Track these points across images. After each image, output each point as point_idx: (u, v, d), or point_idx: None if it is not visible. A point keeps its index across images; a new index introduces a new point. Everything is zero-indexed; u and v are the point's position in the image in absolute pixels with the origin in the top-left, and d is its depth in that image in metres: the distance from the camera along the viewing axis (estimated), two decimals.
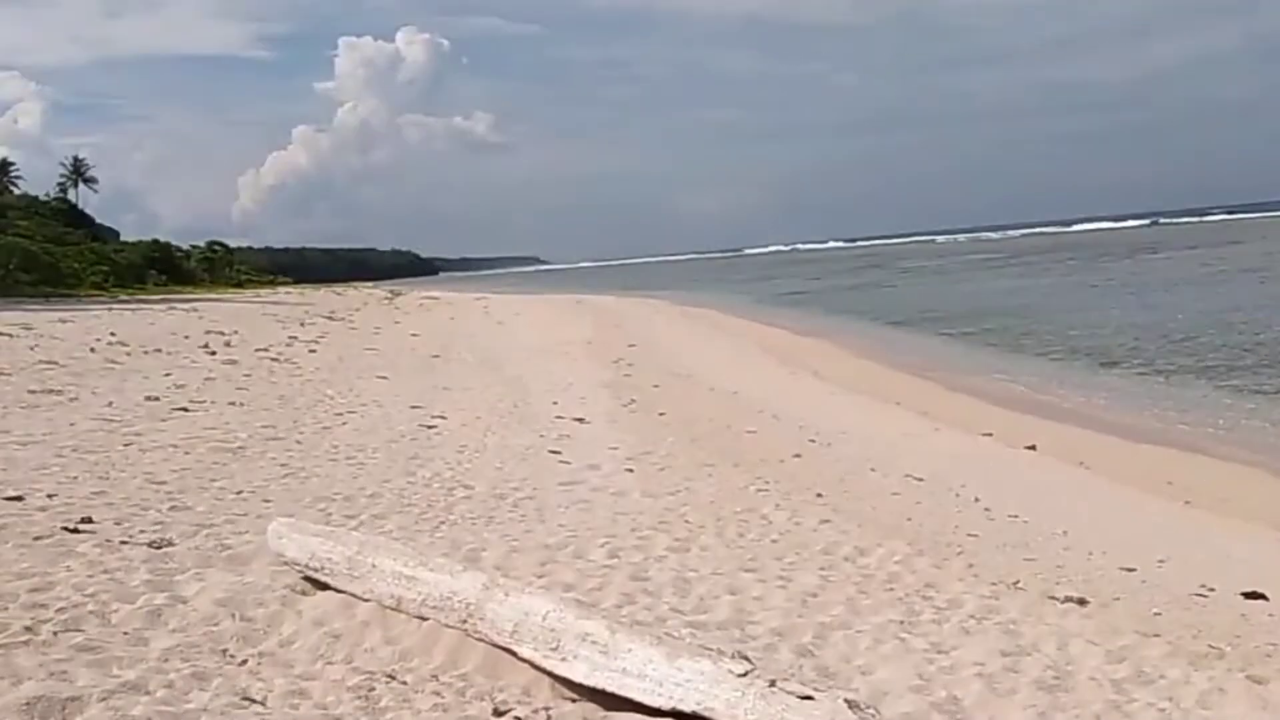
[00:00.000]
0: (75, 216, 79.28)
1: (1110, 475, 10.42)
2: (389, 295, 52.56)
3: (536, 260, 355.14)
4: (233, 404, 11.98)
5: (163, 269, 59.73)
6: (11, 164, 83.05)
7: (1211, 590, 6.37)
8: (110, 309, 31.69)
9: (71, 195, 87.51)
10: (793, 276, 71.99)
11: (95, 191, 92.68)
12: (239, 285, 66.38)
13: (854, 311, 35.46)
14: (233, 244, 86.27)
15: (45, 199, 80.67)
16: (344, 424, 11.09)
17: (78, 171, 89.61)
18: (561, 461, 9.32)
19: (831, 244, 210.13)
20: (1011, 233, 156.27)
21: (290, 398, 12.89)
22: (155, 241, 67.86)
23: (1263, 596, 6.13)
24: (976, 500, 8.70)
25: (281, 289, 65.30)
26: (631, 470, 8.97)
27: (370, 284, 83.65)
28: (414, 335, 25.67)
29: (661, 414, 12.62)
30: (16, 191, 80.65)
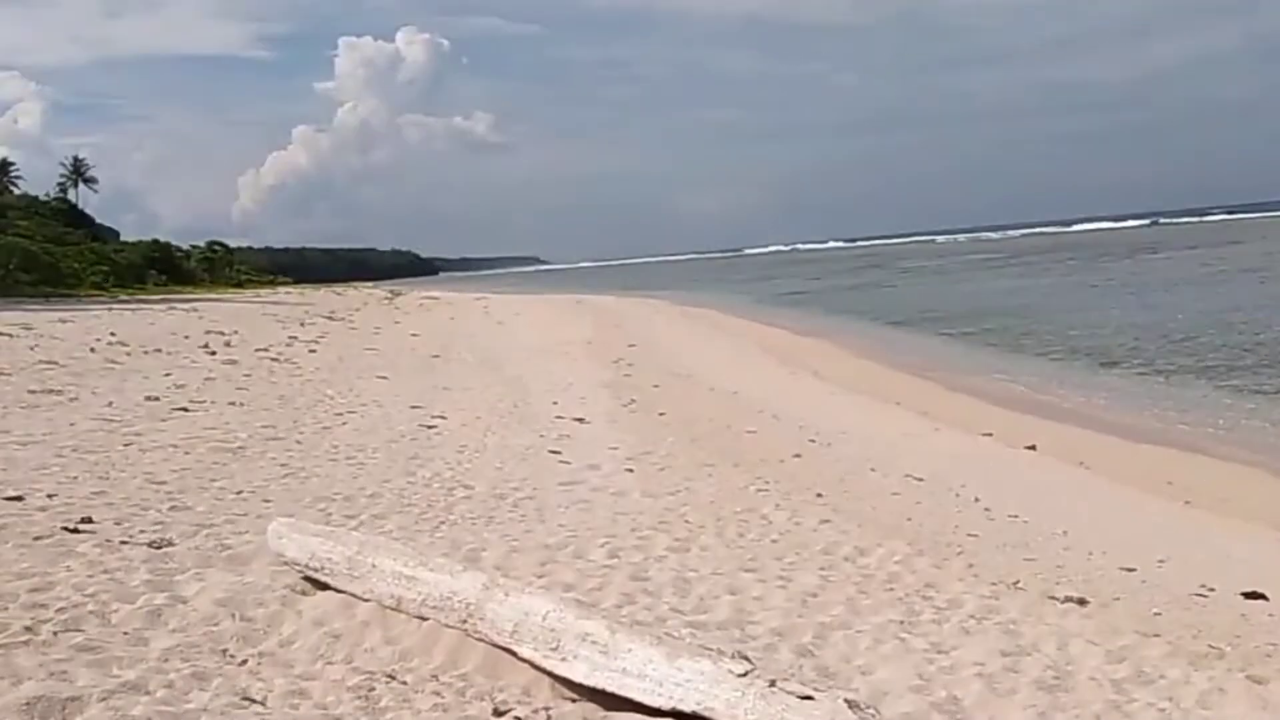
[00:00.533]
0: (75, 216, 79.34)
1: (1110, 475, 10.43)
2: (389, 295, 52.59)
3: (536, 260, 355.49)
4: (233, 404, 11.99)
5: (163, 269, 59.80)
6: (11, 164, 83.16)
7: (1211, 590, 6.37)
8: (110, 309, 31.73)
9: (71, 195, 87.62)
10: (793, 276, 72.05)
11: (95, 191, 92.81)
12: (239, 285, 66.47)
13: (854, 311, 35.49)
14: (233, 244, 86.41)
15: (45, 199, 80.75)
16: (344, 424, 11.10)
17: (78, 171, 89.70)
18: (561, 461, 9.32)
19: (831, 244, 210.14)
20: (1011, 233, 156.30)
21: (290, 398, 12.91)
22: (155, 241, 67.97)
23: (1263, 596, 6.14)
24: (976, 500, 8.70)
25: (281, 289, 65.31)
26: (631, 470, 8.97)
27: (370, 284, 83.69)
28: (414, 335, 25.69)
29: (661, 414, 12.63)
30: (16, 191, 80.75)
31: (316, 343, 21.77)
